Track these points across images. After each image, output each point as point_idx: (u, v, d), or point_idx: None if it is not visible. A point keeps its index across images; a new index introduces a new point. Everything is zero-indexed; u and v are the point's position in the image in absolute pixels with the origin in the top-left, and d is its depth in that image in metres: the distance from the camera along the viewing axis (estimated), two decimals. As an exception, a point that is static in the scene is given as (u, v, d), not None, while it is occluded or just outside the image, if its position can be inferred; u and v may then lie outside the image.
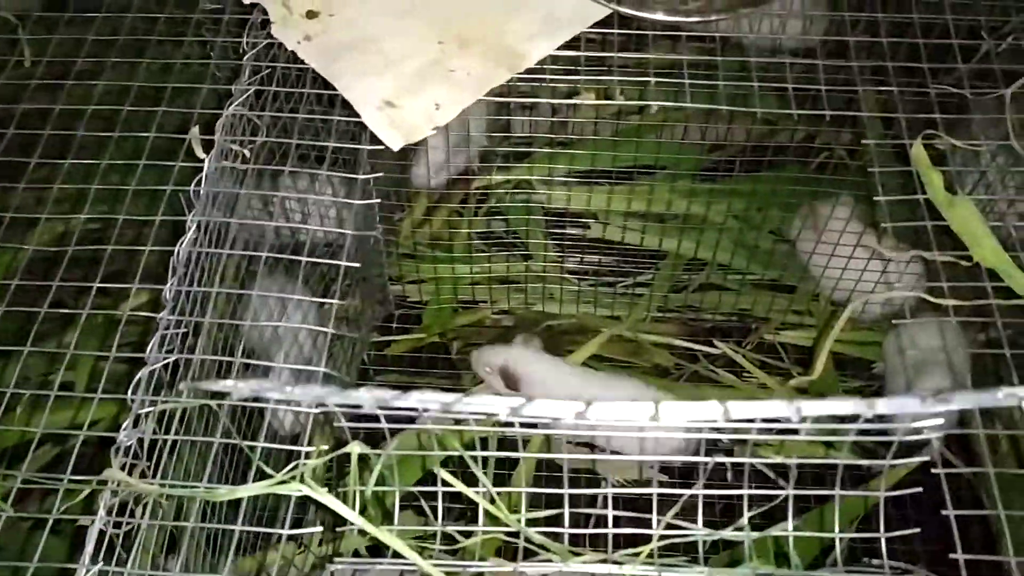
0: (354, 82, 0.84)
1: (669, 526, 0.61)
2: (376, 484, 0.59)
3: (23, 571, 0.62)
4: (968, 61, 0.88)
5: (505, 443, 0.85)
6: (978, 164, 0.88)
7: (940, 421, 0.55)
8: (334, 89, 0.85)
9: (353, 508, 0.58)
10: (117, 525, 0.61)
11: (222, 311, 0.78)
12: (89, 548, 0.60)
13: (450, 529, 0.63)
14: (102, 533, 0.61)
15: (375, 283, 1.25)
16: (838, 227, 1.08)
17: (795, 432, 0.53)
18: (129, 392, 0.66)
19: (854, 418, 0.48)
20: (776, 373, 1.22)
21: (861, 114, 0.87)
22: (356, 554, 0.94)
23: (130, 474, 0.63)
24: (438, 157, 1.17)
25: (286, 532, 0.63)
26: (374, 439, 0.59)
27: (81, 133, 0.85)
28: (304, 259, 0.75)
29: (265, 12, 0.89)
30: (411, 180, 1.23)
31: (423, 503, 0.64)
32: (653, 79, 0.85)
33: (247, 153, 0.80)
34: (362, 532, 0.58)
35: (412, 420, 0.55)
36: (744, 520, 0.61)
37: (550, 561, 0.61)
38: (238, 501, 0.62)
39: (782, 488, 0.61)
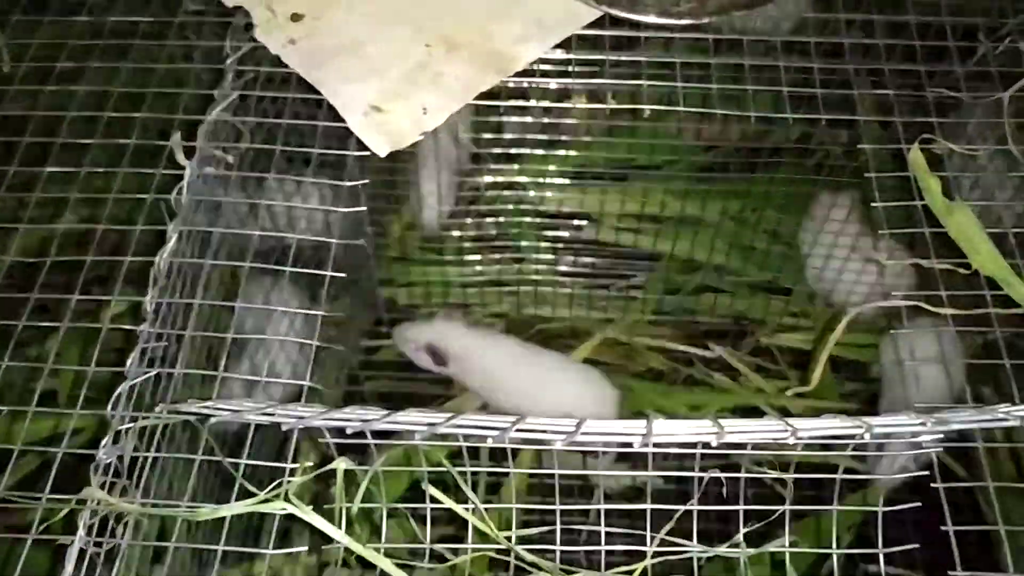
0: (340, 87, 0.82)
1: (664, 542, 0.60)
2: (363, 499, 0.57)
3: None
4: (965, 63, 0.87)
5: (496, 453, 0.83)
6: (975, 168, 0.87)
7: (939, 436, 0.54)
8: (319, 93, 0.83)
9: (339, 526, 0.57)
10: (98, 544, 0.60)
11: (206, 320, 0.76)
12: (69, 568, 0.59)
13: (439, 547, 0.62)
14: (82, 552, 0.59)
15: (364, 288, 1.24)
16: (836, 227, 1.07)
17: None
18: (108, 408, 0.64)
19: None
20: (772, 376, 1.21)
21: (857, 117, 0.86)
22: (346, 564, 0.93)
23: (110, 492, 0.62)
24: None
25: (270, 552, 0.62)
26: (361, 447, 0.58)
27: (61, 140, 0.83)
28: (288, 269, 0.74)
29: (248, 15, 0.87)
30: (424, 229, 1.26)
31: (411, 520, 0.63)
32: (646, 82, 0.84)
33: (230, 159, 0.78)
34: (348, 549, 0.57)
35: (399, 434, 0.53)
36: (739, 537, 0.60)
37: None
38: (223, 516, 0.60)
39: (778, 493, 0.60)
